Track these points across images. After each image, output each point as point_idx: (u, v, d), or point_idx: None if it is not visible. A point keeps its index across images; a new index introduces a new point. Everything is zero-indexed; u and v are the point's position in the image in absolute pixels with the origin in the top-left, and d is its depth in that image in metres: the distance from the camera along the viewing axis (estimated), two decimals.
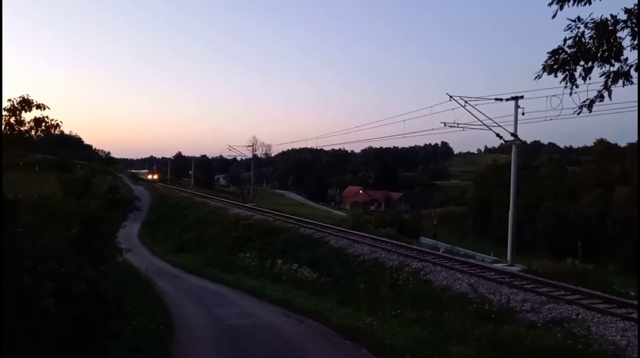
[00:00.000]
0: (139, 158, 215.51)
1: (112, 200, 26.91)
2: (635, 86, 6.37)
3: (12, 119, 12.15)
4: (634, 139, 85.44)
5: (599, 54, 6.07)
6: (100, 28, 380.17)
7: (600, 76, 6.21)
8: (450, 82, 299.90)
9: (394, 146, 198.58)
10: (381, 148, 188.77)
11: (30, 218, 9.15)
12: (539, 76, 6.55)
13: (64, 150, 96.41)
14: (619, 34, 5.93)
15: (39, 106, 11.89)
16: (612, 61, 6.05)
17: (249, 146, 68.80)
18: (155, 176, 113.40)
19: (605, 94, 6.26)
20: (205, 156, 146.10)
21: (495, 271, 19.04)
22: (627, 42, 5.93)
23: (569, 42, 6.15)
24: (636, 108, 16.60)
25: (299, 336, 12.39)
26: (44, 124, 13.11)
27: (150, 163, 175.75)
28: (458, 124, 23.28)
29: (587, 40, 6.06)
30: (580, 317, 13.44)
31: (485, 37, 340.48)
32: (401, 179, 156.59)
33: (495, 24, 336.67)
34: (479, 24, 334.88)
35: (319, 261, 23.30)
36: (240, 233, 33.32)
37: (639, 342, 11.49)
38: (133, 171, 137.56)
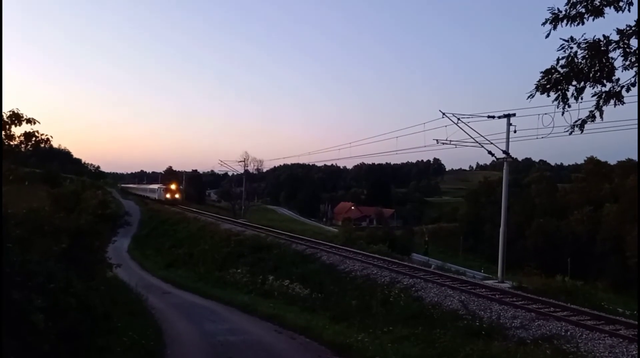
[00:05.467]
0: (129, 172, 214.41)
1: (102, 215, 26.75)
2: (626, 106, 6.47)
3: (2, 134, 12.11)
4: (623, 157, 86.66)
5: (591, 74, 6.10)
6: (87, 42, 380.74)
7: (592, 96, 6.23)
8: (442, 99, 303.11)
9: (387, 163, 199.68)
10: (373, 164, 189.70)
11: (19, 232, 9.12)
12: (531, 95, 6.56)
13: (52, 163, 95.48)
14: (611, 55, 5.97)
15: (29, 121, 11.85)
16: (604, 81, 6.08)
17: (240, 161, 68.68)
18: (177, 195, 74.33)
19: (597, 114, 6.28)
20: (196, 170, 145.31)
21: (485, 288, 19.10)
22: (619, 62, 5.98)
23: (562, 62, 6.18)
24: (626, 128, 16.75)
25: (290, 352, 12.32)
26: (34, 138, 13.07)
27: (141, 177, 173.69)
28: (450, 141, 23.50)
29: (579, 60, 6.09)
30: (569, 333, 13.51)
31: (477, 55, 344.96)
32: (393, 196, 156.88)
33: (487, 42, 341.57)
34: (471, 42, 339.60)
35: (310, 278, 23.22)
36: (232, 248, 33.12)
37: (639, 350, 11.57)
38: (131, 185, 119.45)
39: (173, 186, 77.36)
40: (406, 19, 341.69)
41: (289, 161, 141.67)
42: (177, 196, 73.82)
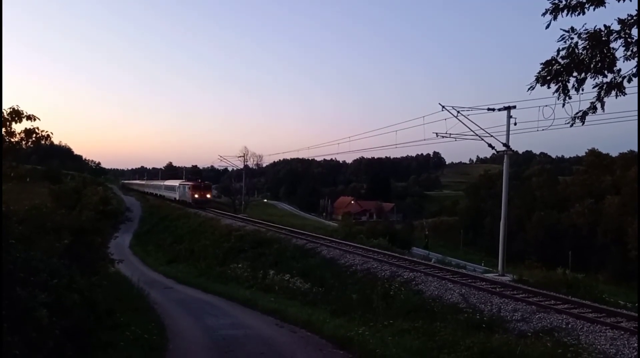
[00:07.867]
0: (130, 168, 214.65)
1: (103, 211, 26.83)
2: (628, 97, 6.38)
3: (3, 131, 12.12)
4: (625, 148, 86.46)
5: (592, 65, 6.01)
6: (86, 40, 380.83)
7: (594, 87, 6.15)
8: (441, 92, 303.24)
9: (386, 157, 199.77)
10: (373, 158, 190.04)
11: (21, 229, 9.16)
12: (532, 87, 6.47)
13: (53, 160, 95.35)
14: (612, 45, 5.87)
15: (29, 117, 11.85)
16: (605, 72, 6.00)
17: (240, 156, 68.63)
18: (209, 195, 60.85)
19: (598, 105, 6.21)
20: (196, 166, 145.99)
21: (486, 281, 19.17)
22: (620, 52, 5.89)
23: (562, 53, 6.08)
24: (628, 119, 16.66)
25: (291, 346, 12.38)
26: (34, 135, 13.08)
27: (141, 173, 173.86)
28: (450, 134, 23.44)
29: (580, 51, 5.99)
30: (570, 326, 13.59)
31: (476, 47, 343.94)
32: (393, 190, 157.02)
33: (487, 34, 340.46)
34: (470, 34, 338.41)
35: (311, 272, 23.32)
36: (232, 243, 33.28)
37: (639, 342, 11.63)
38: (136, 181, 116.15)
39: (203, 184, 62.40)
40: (405, 11, 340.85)
41: (288, 156, 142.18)
42: (208, 196, 60.30)
